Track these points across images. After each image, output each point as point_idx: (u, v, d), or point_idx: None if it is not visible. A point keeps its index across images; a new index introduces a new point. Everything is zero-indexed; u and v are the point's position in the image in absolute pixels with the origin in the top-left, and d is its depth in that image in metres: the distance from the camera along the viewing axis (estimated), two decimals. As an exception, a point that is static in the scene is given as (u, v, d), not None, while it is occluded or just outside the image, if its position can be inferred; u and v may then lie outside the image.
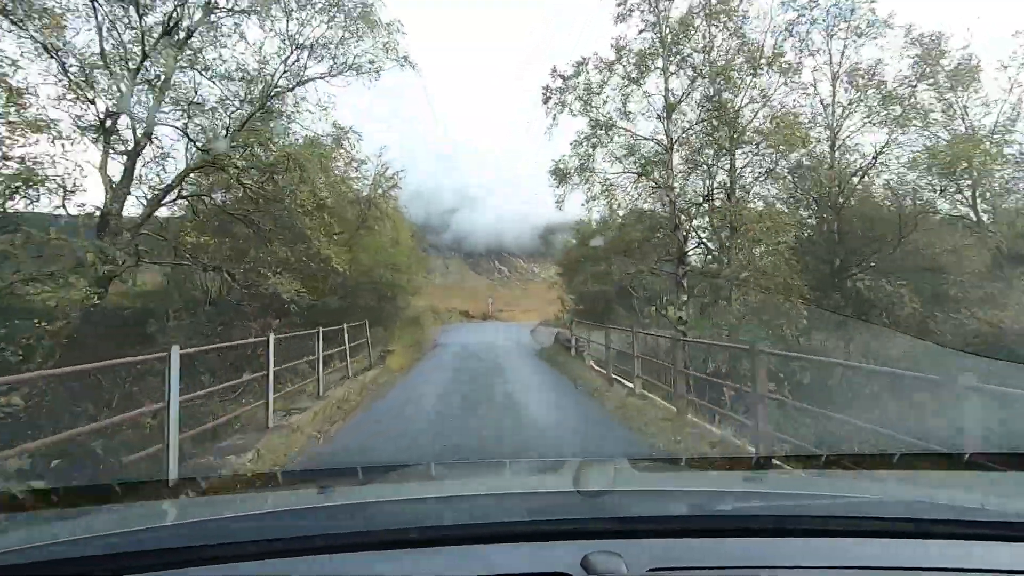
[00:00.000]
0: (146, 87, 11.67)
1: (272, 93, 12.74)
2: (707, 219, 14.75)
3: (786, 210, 13.87)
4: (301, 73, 13.35)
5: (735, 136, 14.52)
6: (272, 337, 9.77)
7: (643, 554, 1.20)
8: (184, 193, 11.96)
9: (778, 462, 4.13)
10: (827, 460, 3.48)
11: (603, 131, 15.99)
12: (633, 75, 15.54)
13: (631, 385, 10.52)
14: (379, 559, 1.25)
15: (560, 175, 16.47)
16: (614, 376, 11.68)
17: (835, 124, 16.70)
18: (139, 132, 11.62)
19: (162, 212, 12.65)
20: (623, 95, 15.70)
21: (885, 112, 15.92)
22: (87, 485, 4.58)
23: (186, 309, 14.15)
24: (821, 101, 16.96)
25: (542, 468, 3.01)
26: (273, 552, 1.25)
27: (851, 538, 1.34)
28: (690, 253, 15.13)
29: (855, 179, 15.98)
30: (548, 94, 16.02)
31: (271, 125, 12.58)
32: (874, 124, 15.93)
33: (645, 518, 1.38)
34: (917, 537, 1.34)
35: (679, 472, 2.72)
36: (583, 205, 17.39)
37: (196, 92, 12.26)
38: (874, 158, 15.72)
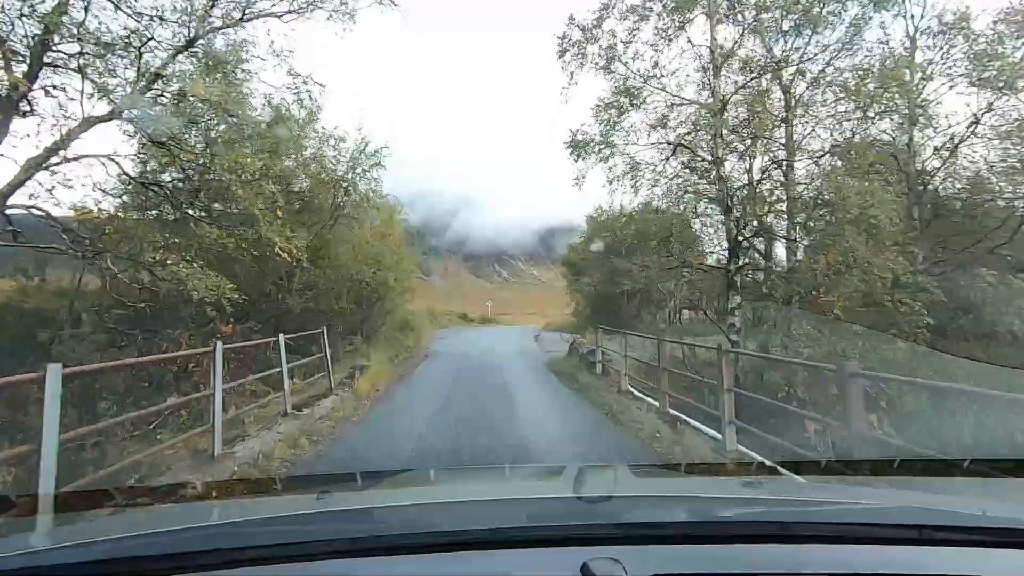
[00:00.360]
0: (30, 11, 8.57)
1: (203, 32, 9.65)
2: (767, 200, 11.52)
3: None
4: (247, 7, 10.25)
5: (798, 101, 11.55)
6: (219, 348, 6.90)
7: (643, 560, 1.19)
8: (74, 155, 8.73)
9: (778, 468, 3.74)
10: (827, 466, 3.47)
11: (628, 97, 12.93)
12: (668, 25, 12.54)
13: (716, 435, 7.24)
14: (376, 565, 1.25)
15: (577, 148, 13.30)
16: (673, 412, 8.38)
17: (916, 88, 13.57)
18: (16, 72, 8.55)
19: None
20: (658, 48, 12.65)
21: (979, 70, 12.82)
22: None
23: (100, 313, 10.98)
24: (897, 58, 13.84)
25: (542, 474, 2.99)
26: (270, 558, 1.24)
27: (852, 545, 1.33)
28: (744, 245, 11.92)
29: (946, 152, 12.83)
30: (564, 45, 12.92)
31: (200, 68, 9.39)
32: (969, 84, 12.79)
33: (645, 524, 1.39)
34: (918, 544, 1.33)
35: (679, 478, 2.75)
36: (604, 187, 14.28)
37: (100, 24, 9.13)
38: (973, 124, 12.55)
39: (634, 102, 12.69)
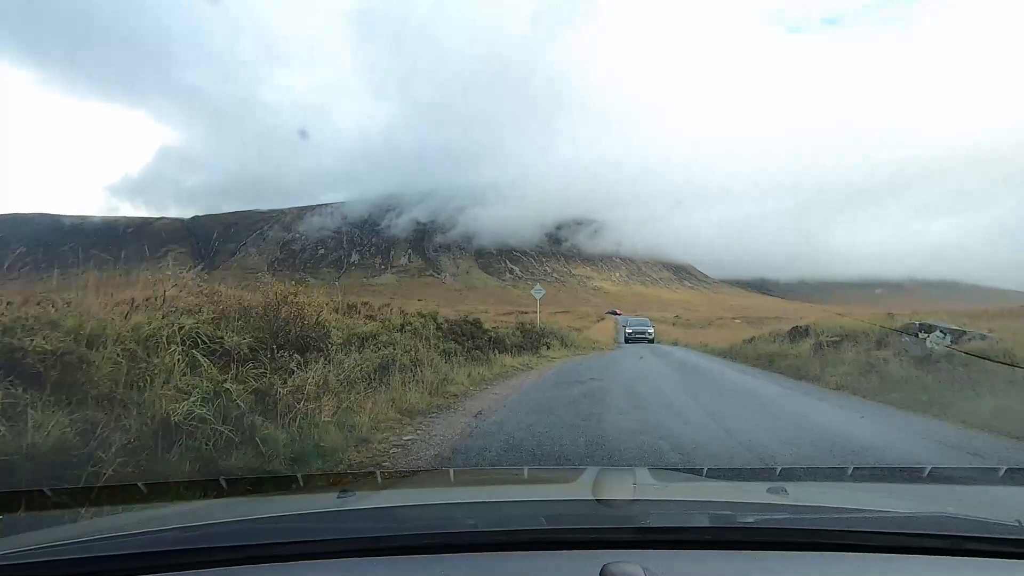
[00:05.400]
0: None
1: None
2: None
3: None
4: None
5: None
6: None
7: (664, 566, 1.16)
8: None
9: (803, 474, 4.01)
10: (854, 473, 3.40)
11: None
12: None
13: None
14: (395, 565, 1.25)
15: None
16: None
17: None
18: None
19: None
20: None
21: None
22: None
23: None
24: None
25: (562, 476, 2.97)
26: (290, 556, 1.25)
27: (879, 554, 1.30)
28: None
29: None
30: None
31: None
32: None
33: (666, 529, 1.35)
34: (948, 554, 1.29)
35: (701, 483, 2.72)
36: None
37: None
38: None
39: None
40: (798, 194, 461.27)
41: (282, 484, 3.41)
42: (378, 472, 3.33)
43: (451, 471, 3.48)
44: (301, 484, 3.04)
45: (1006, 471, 2.96)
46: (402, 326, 12.08)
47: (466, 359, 13.07)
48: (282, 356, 6.91)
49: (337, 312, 12.62)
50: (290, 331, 8.14)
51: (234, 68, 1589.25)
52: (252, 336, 7.60)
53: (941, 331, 10.94)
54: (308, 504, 1.95)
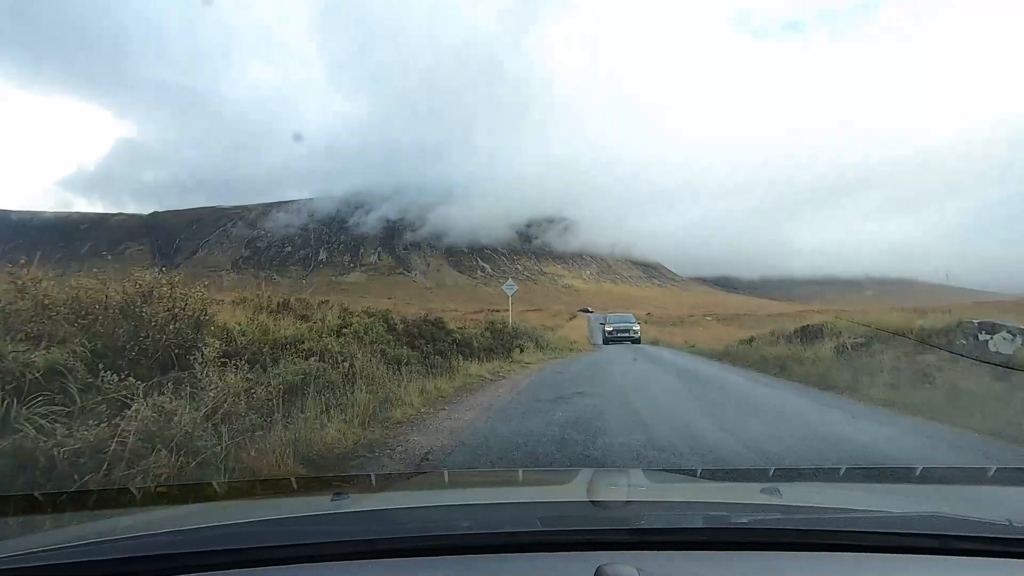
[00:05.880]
0: None
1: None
2: None
3: None
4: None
5: None
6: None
7: (658, 566, 1.17)
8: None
9: (796, 474, 3.96)
10: (846, 473, 3.39)
11: None
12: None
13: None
14: (390, 567, 1.24)
15: None
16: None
17: None
18: None
19: None
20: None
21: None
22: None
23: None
24: None
25: (556, 478, 2.95)
26: (285, 559, 1.24)
27: (872, 553, 1.30)
28: None
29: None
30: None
31: None
32: None
33: (661, 530, 1.34)
34: (939, 554, 1.30)
35: (695, 484, 2.71)
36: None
37: None
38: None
39: None
40: (761, 194, 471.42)
41: (276, 487, 3.43)
42: (372, 475, 3.11)
43: (445, 473, 3.26)
44: (295, 487, 3.02)
45: (996, 470, 2.90)
46: (339, 329, 9.52)
47: (423, 368, 10.60)
48: (110, 380, 4.40)
49: (263, 312, 10.08)
50: (147, 341, 5.60)
51: (194, 61, 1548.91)
52: (82, 348, 5.06)
53: (1009, 331, 8.86)
54: (302, 507, 1.91)
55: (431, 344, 13.01)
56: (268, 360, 7.34)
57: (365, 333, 10.17)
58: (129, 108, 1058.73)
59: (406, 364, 10.04)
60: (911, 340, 10.44)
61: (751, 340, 16.99)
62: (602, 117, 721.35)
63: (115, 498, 2.74)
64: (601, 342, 30.81)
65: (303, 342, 8.19)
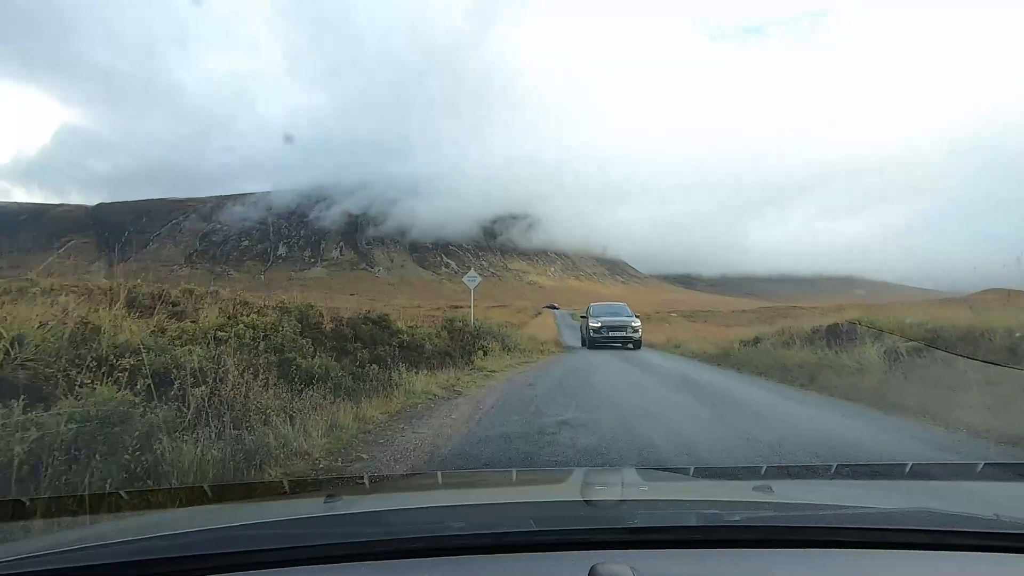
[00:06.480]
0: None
1: None
2: None
3: None
4: None
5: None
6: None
7: (652, 565, 1.16)
8: None
9: (788, 472, 3.89)
10: (837, 470, 3.37)
11: None
12: None
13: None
14: (383, 569, 1.23)
15: None
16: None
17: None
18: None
19: None
20: None
21: None
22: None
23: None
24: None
25: (550, 477, 2.93)
26: (277, 562, 1.22)
27: (864, 550, 1.31)
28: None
29: None
30: None
31: None
32: None
33: (654, 528, 1.34)
34: (930, 549, 1.31)
35: (688, 482, 2.71)
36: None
37: None
38: None
39: None
40: (720, 193, 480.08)
41: (268, 490, 3.44)
42: (366, 477, 3.06)
43: (439, 474, 3.32)
44: (287, 490, 2.97)
45: (984, 466, 2.93)
46: (216, 331, 6.46)
47: (349, 386, 7.68)
48: None
49: (118, 305, 6.98)
50: None
51: (144, 47, 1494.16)
52: None
53: None
54: (295, 510, 1.93)
55: (369, 349, 10.00)
56: (63, 386, 4.34)
57: (264, 337, 7.16)
58: (74, 93, 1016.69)
59: (320, 381, 7.07)
60: (996, 346, 7.94)
61: (756, 341, 14.41)
62: (567, 116, 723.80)
63: (104, 503, 2.61)
64: (584, 344, 23.36)
65: (140, 353, 5.21)
